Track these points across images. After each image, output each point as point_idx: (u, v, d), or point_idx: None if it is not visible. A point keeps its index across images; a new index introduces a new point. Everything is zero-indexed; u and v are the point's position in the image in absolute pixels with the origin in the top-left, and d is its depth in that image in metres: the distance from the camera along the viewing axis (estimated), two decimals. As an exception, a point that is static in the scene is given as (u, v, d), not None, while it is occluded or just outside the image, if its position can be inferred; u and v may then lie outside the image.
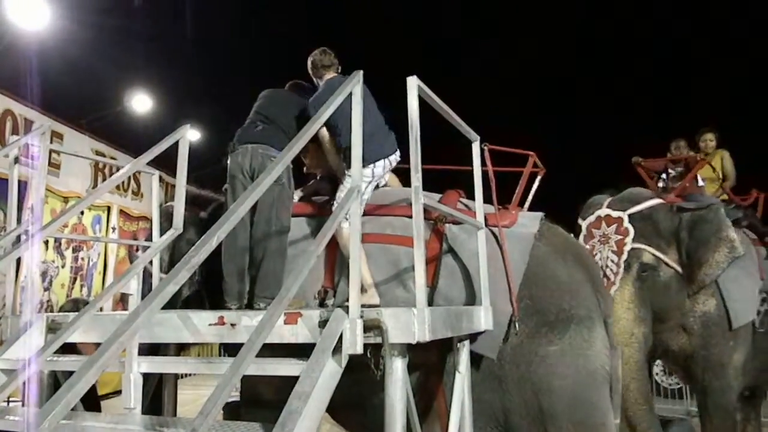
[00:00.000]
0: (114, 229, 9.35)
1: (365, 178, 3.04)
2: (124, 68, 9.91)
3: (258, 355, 1.74)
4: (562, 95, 14.65)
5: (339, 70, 3.42)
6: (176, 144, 3.28)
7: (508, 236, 3.20)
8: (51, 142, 6.45)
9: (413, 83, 2.38)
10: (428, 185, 2.64)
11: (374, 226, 3.25)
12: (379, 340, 2.17)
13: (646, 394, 4.39)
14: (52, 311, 7.22)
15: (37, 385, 2.54)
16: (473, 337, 2.90)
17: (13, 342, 2.66)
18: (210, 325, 2.40)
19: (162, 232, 3.38)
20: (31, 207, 5.29)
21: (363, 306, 2.27)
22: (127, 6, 9.88)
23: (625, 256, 4.42)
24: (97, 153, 8.99)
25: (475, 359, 2.97)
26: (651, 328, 4.45)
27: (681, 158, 5.55)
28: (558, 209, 3.79)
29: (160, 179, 3.80)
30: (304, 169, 3.86)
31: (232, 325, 2.37)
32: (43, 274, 7.90)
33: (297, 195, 3.55)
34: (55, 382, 2.94)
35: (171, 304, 2.41)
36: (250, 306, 3.11)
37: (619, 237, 4.49)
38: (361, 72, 2.53)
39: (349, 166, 2.93)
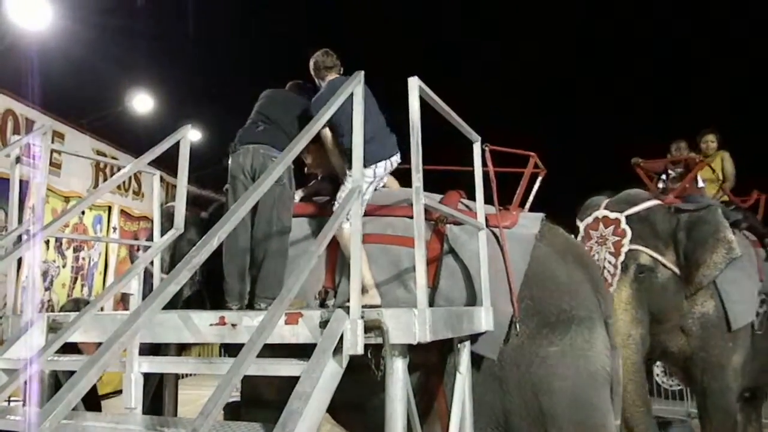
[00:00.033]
0: (115, 229, 9.35)
1: (366, 179, 3.04)
2: (126, 68, 9.92)
3: (259, 356, 1.74)
4: (562, 96, 14.64)
5: (341, 72, 3.41)
6: (177, 144, 3.28)
7: (509, 237, 3.20)
8: (52, 142, 6.44)
9: (414, 84, 2.37)
10: (429, 186, 2.64)
11: (375, 226, 3.25)
12: (379, 340, 2.17)
13: (643, 396, 4.39)
14: (53, 311, 7.23)
15: (38, 384, 2.53)
16: (474, 338, 2.90)
17: (14, 341, 2.66)
18: (211, 325, 2.41)
19: (163, 232, 3.38)
20: (33, 207, 5.29)
21: (364, 306, 2.27)
22: (128, 6, 9.89)
23: (622, 258, 4.41)
24: (99, 153, 8.99)
25: (476, 360, 2.97)
26: (648, 329, 4.45)
27: (681, 159, 5.53)
28: (558, 210, 3.79)
29: (161, 179, 3.80)
30: (305, 169, 3.86)
31: (233, 325, 2.37)
32: (44, 274, 7.90)
33: (298, 195, 3.55)
34: (56, 381, 2.94)
35: (172, 304, 2.40)
36: (251, 306, 3.11)
37: (617, 238, 4.48)
38: (363, 72, 2.52)
39: (350, 167, 2.93)
